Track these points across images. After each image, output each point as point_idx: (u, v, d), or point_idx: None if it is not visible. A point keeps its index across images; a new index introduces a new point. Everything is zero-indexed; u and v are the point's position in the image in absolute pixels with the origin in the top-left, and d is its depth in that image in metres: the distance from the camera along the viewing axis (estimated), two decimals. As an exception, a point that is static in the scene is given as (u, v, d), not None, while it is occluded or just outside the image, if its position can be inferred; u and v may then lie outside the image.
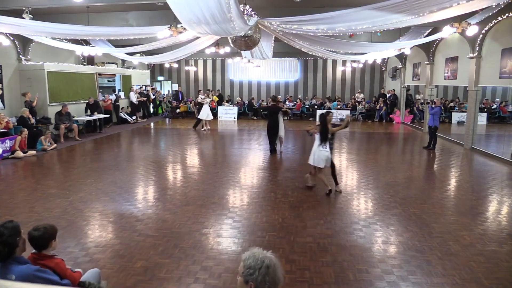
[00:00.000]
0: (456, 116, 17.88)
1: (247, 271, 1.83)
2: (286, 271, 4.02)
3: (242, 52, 13.75)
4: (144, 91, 19.89)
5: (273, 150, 10.69)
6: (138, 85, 19.68)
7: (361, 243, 4.77)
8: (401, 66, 18.31)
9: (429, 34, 12.37)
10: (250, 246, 4.55)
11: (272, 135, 10.63)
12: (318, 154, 6.69)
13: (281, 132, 10.67)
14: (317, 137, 6.80)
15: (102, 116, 14.81)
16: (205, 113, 15.45)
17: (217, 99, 21.41)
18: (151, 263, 4.20)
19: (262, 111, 19.88)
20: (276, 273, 1.82)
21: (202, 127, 15.47)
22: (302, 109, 20.65)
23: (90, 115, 14.25)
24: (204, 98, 15.66)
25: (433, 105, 11.20)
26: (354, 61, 20.00)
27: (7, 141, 9.97)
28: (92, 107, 14.59)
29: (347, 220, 5.58)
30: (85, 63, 16.18)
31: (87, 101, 14.61)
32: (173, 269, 4.07)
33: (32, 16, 9.18)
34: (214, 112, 20.55)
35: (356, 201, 6.53)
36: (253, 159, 10.18)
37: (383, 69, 21.32)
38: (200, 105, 15.84)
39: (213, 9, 6.30)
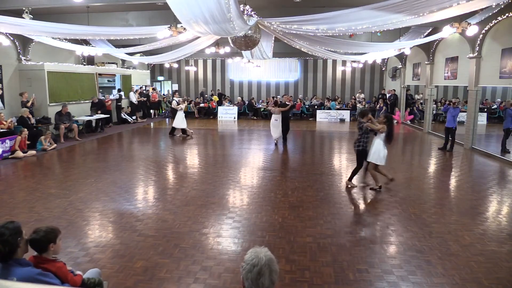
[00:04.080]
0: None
1: (242, 263, 1.92)
2: (286, 271, 4.02)
3: (242, 52, 13.75)
4: (144, 91, 19.90)
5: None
6: (138, 85, 19.68)
7: (361, 243, 4.77)
8: (401, 66, 18.32)
9: (429, 34, 12.37)
10: (250, 246, 4.56)
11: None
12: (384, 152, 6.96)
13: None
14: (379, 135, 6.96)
15: (103, 116, 14.80)
16: (178, 121, 13.56)
17: (217, 99, 21.43)
18: (151, 263, 4.20)
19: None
20: (261, 275, 1.84)
21: (186, 133, 13.79)
22: (302, 109, 20.65)
23: (91, 115, 14.26)
24: (178, 104, 13.76)
25: (454, 106, 10.99)
26: (354, 61, 20.01)
27: (7, 141, 9.98)
28: (97, 106, 14.64)
29: (347, 220, 5.58)
30: (85, 63, 16.19)
31: (90, 101, 14.66)
32: (173, 269, 4.07)
33: (32, 16, 9.18)
34: (214, 112, 20.63)
35: (356, 201, 6.53)
36: (253, 159, 10.18)
37: (383, 69, 21.32)
38: (174, 110, 13.85)
39: (213, 9, 6.30)
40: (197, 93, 23.66)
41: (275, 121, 12.00)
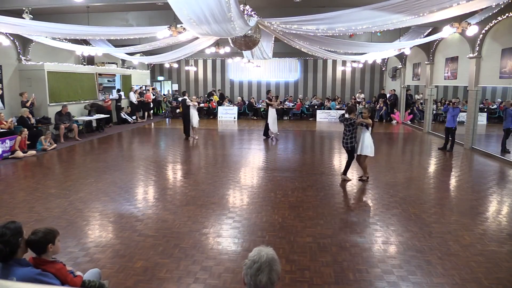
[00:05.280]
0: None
1: (245, 260, 1.95)
2: (286, 271, 4.02)
3: (242, 52, 13.75)
4: (144, 91, 19.87)
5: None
6: (138, 85, 19.66)
7: (361, 243, 4.77)
8: (401, 66, 18.32)
9: (429, 34, 12.37)
10: (250, 246, 4.57)
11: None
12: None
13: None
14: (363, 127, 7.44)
15: (102, 116, 14.81)
16: (195, 119, 13.14)
17: (217, 98, 21.41)
18: (151, 263, 4.20)
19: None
20: (260, 272, 1.86)
21: (189, 135, 13.22)
22: (302, 109, 20.65)
23: (91, 115, 14.27)
24: (192, 101, 13.31)
25: (454, 106, 11.01)
26: (354, 61, 20.00)
27: (7, 141, 9.98)
28: (96, 107, 14.72)
29: (347, 220, 5.58)
30: (85, 63, 16.18)
31: (90, 101, 14.73)
32: (173, 269, 4.07)
33: (32, 16, 9.18)
34: (214, 112, 20.62)
35: (356, 201, 6.53)
36: (253, 159, 10.18)
37: (383, 69, 21.32)
38: (187, 109, 13.06)
39: (213, 9, 6.30)
40: (197, 93, 23.65)
41: (275, 115, 13.34)
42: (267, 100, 13.37)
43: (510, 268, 4.16)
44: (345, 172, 7.71)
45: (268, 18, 8.57)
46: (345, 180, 7.66)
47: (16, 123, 11.16)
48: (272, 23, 8.39)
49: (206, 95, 22.43)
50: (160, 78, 24.38)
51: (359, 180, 7.73)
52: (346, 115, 7.54)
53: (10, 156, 9.86)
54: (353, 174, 8.03)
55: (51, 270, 2.59)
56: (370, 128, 7.45)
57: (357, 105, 20.28)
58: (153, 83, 23.32)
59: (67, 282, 2.67)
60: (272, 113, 13.16)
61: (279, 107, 13.63)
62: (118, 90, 17.58)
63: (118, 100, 17.09)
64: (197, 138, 13.23)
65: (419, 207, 6.10)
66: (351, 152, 7.51)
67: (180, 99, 15.23)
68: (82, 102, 14.59)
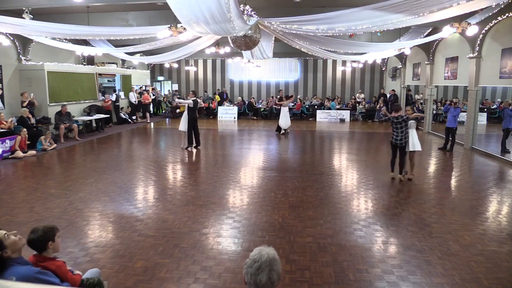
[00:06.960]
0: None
1: (246, 259, 1.95)
2: (286, 271, 4.02)
3: (242, 52, 13.76)
4: (144, 91, 19.87)
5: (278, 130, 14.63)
6: (138, 85, 19.66)
7: (361, 243, 4.77)
8: (401, 66, 18.31)
9: (429, 34, 12.36)
10: (250, 246, 4.57)
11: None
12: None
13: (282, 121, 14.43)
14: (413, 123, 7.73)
15: (102, 116, 14.82)
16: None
17: (218, 98, 21.41)
18: (151, 263, 4.20)
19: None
20: (260, 271, 1.87)
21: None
22: (302, 109, 20.64)
23: (91, 115, 14.28)
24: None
25: (455, 106, 11.02)
26: (354, 61, 20.00)
27: (7, 141, 9.97)
28: (95, 107, 14.78)
29: (347, 220, 5.58)
30: (85, 63, 16.18)
31: (90, 101, 14.74)
32: (173, 269, 4.07)
33: (32, 16, 9.18)
34: (214, 112, 20.61)
35: (356, 201, 6.53)
36: (253, 159, 10.18)
37: (383, 69, 21.32)
38: (194, 113, 11.16)
39: (213, 9, 6.29)
40: (197, 93, 23.63)
41: (287, 112, 14.49)
42: (278, 101, 14.49)
43: (510, 268, 4.16)
44: (401, 171, 7.77)
45: (268, 18, 8.56)
46: (409, 179, 7.78)
47: (16, 123, 11.16)
48: (272, 23, 8.39)
49: (213, 93, 22.48)
50: (160, 78, 24.37)
51: (407, 179, 7.78)
52: (393, 114, 7.70)
53: (10, 156, 9.86)
54: (355, 173, 8.02)
55: (51, 267, 2.60)
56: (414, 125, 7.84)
57: (357, 105, 20.39)
58: (153, 83, 23.31)
59: (67, 280, 2.68)
60: (284, 111, 14.29)
61: (291, 103, 15.19)
62: (114, 90, 17.57)
63: (116, 100, 17.07)
64: (191, 146, 11.28)
65: (419, 207, 6.10)
66: (404, 148, 7.68)
67: (178, 100, 13.75)
68: (82, 102, 14.60)
